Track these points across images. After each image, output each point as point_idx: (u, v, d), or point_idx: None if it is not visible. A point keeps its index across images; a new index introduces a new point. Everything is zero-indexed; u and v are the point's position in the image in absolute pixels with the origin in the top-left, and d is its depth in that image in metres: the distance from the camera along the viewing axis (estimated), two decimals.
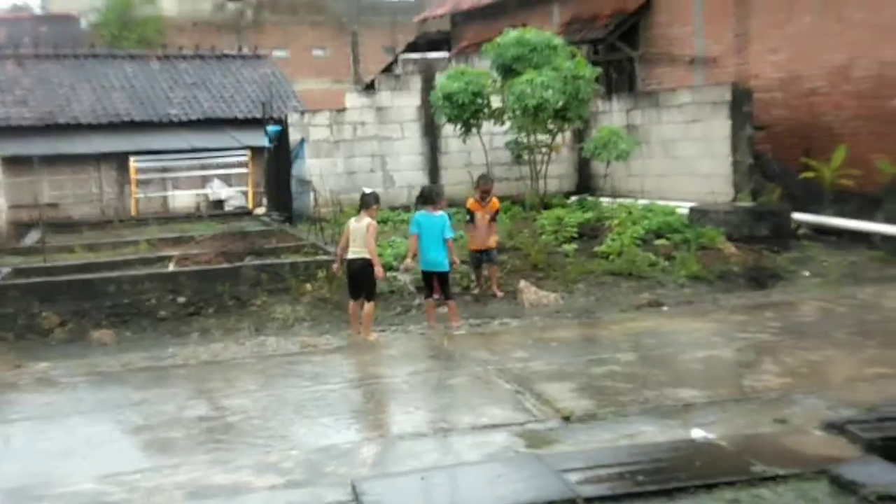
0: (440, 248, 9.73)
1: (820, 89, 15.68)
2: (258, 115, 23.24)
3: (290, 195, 17.41)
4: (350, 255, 9.37)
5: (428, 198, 9.99)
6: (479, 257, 11.14)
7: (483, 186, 11.29)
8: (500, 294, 11.05)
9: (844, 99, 15.12)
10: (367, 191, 9.73)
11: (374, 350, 8.94)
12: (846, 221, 13.72)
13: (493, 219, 11.23)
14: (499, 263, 11.38)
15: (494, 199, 11.34)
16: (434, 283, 9.89)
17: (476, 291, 11.13)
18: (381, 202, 9.94)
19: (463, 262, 11.39)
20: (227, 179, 23.41)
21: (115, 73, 25.93)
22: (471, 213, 11.25)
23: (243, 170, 23.05)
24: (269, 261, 12.13)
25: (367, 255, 9.24)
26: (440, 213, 9.88)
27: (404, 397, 7.16)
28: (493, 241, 11.16)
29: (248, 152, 22.98)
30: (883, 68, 14.57)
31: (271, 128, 18.59)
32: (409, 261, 10.14)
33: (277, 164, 18.56)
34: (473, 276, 11.31)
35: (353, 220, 9.55)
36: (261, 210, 21.14)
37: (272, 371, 8.23)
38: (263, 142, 19.48)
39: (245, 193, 23.08)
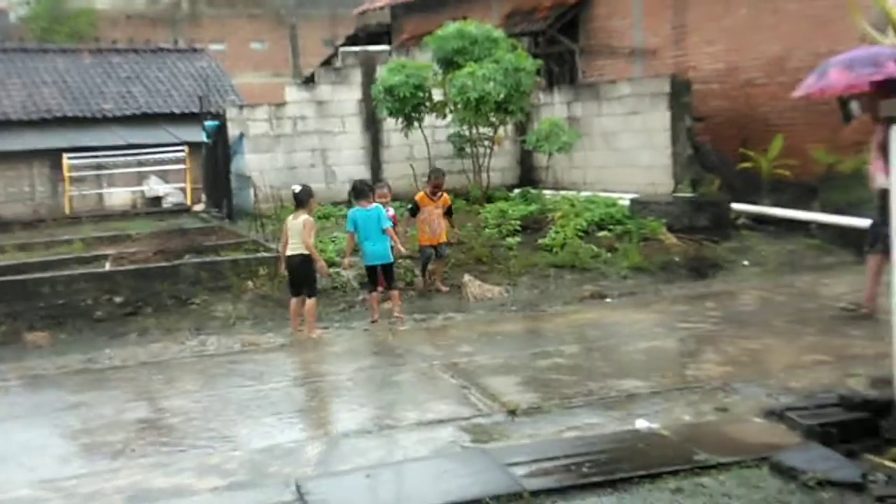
0: (381, 239, 9.80)
1: (756, 80, 15.96)
2: (195, 110, 22.93)
3: (229, 191, 17.22)
4: (288, 252, 9.39)
5: (360, 192, 9.97)
6: (429, 252, 11.11)
7: (435, 181, 11.32)
8: (444, 289, 11.07)
9: (781, 90, 15.38)
10: (297, 188, 9.69)
11: (318, 347, 8.90)
12: (783, 211, 13.97)
13: (447, 213, 11.35)
14: (445, 258, 11.40)
15: (445, 195, 11.39)
16: (378, 275, 9.94)
17: (421, 286, 11.12)
18: (315, 196, 9.84)
19: (408, 256, 11.38)
20: (164, 176, 23.07)
21: (46, 67, 25.35)
22: (416, 206, 11.20)
23: (181, 166, 22.73)
24: (208, 258, 12.00)
25: (305, 251, 9.27)
26: (374, 205, 9.93)
27: (349, 395, 7.13)
28: (445, 235, 11.22)
29: (185, 148, 22.66)
30: (817, 59, 14.76)
31: (209, 123, 18.35)
32: (347, 260, 10.14)
33: (216, 159, 18.34)
34: (418, 271, 11.30)
35: (290, 217, 9.58)
36: (200, 207, 20.87)
37: (213, 371, 8.14)
38: (201, 137, 19.22)
39: (183, 190, 22.77)
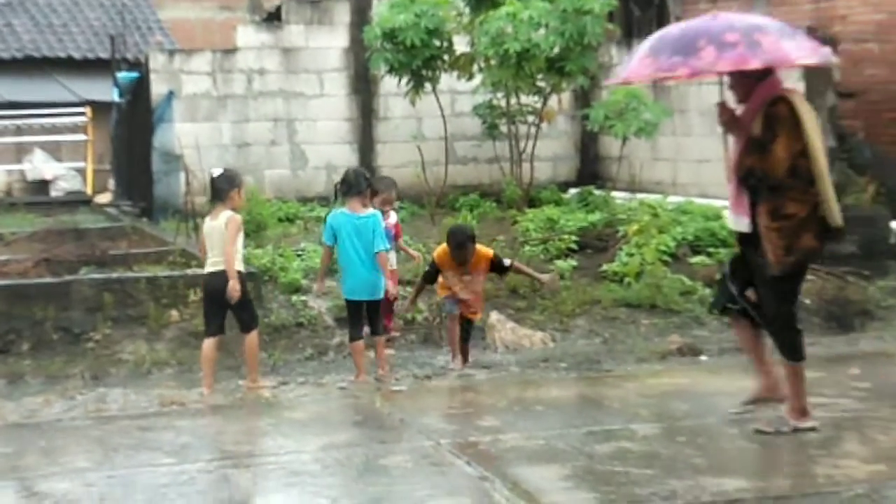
0: (373, 263, 9.70)
1: None
2: (104, 55, 23.06)
3: (149, 176, 17.28)
4: (207, 268, 9.46)
5: (352, 188, 9.80)
6: (451, 308, 10.35)
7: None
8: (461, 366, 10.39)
9: None
10: (216, 172, 9.74)
11: (272, 412, 8.90)
12: None
13: (496, 269, 10.49)
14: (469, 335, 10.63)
15: (482, 251, 10.29)
16: (363, 315, 9.86)
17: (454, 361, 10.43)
18: (243, 184, 9.83)
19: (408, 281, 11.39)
20: (54, 151, 23.18)
21: None
22: (435, 269, 10.27)
23: (80, 136, 22.84)
24: (115, 274, 12.03)
25: (237, 266, 9.35)
26: (370, 211, 9.82)
27: (314, 484, 7.11)
28: (481, 309, 10.60)
29: (87, 110, 22.78)
30: None
31: (124, 75, 18.44)
32: (318, 285, 10.11)
33: (132, 129, 18.40)
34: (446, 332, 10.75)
35: (207, 218, 9.60)
36: (105, 197, 20.97)
37: (116, 440, 8.13)
38: (111, 95, 19.31)
39: (82, 172, 22.88)
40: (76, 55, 25.05)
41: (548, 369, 10.28)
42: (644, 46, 7.65)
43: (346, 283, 9.83)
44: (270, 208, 15.94)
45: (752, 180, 7.45)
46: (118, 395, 9.50)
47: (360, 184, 9.82)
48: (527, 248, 13.36)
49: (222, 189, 9.47)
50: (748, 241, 7.58)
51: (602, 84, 17.89)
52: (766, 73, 7.46)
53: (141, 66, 18.03)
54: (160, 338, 10.95)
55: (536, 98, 16.02)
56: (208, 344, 9.53)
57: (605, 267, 12.76)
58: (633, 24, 19.54)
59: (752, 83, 7.50)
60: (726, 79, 7.77)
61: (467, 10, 15.66)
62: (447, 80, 16.46)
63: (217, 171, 9.77)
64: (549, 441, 7.81)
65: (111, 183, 20.92)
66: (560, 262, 12.85)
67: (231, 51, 17.44)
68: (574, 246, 13.39)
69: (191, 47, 18.98)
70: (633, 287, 12.18)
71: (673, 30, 7.74)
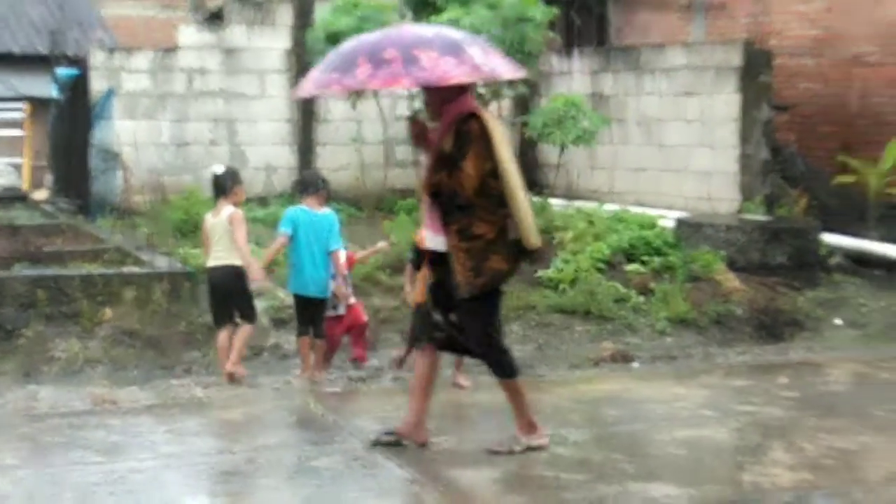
0: (325, 262, 9.85)
1: (869, 56, 16.14)
2: (44, 51, 22.81)
3: (87, 173, 17.13)
4: (210, 262, 9.67)
5: (310, 186, 10.07)
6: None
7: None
8: (465, 384, 9.76)
9: None
10: (220, 169, 9.97)
11: (204, 412, 8.85)
12: None
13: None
14: None
15: None
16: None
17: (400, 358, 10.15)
18: (243, 182, 10.07)
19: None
20: None
21: None
22: (418, 251, 9.21)
23: (16, 132, 22.60)
24: (49, 271, 11.92)
25: (236, 262, 9.58)
26: (326, 210, 10.01)
27: (245, 484, 7.08)
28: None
29: (25, 106, 22.55)
30: None
31: (63, 71, 18.27)
32: (257, 273, 9.92)
33: (71, 125, 18.24)
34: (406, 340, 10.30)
35: (208, 215, 9.86)
36: (42, 194, 20.74)
37: (46, 438, 8.05)
38: (50, 92, 19.13)
39: (18, 168, 22.61)
40: (15, 50, 24.76)
41: (480, 374, 10.26)
42: (326, 62, 7.23)
43: (295, 278, 9.89)
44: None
45: (442, 198, 7.18)
46: (49, 392, 9.40)
47: (317, 183, 10.10)
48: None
49: (226, 185, 9.72)
50: (444, 261, 7.29)
51: (541, 92, 17.96)
52: (461, 90, 7.22)
53: (81, 63, 17.87)
54: (93, 336, 10.87)
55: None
56: (222, 336, 9.80)
57: (540, 273, 12.78)
58: (573, 33, 19.64)
59: (444, 100, 7.23)
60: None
61: (410, 14, 15.65)
62: None
63: (219, 168, 10.06)
64: (481, 445, 7.81)
65: (48, 179, 20.70)
66: None
67: (172, 49, 17.33)
68: None
69: (132, 45, 18.85)
70: (568, 293, 12.23)
71: (351, 42, 7.31)
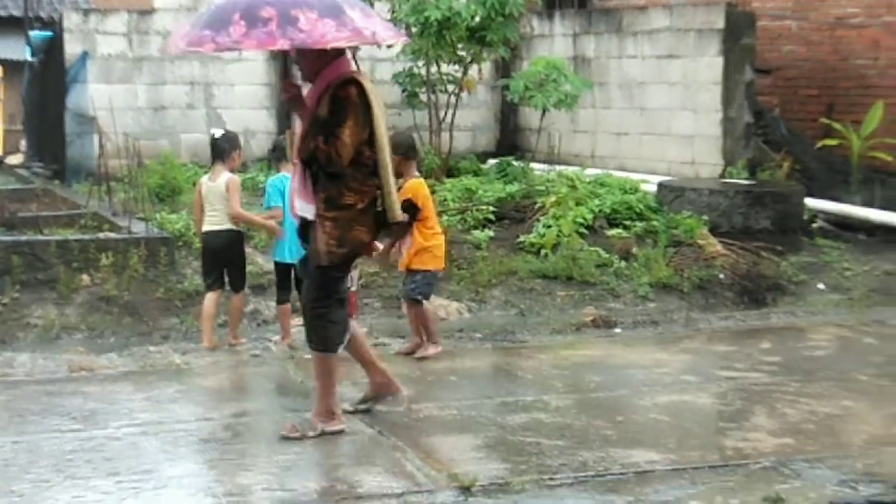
0: None
1: (852, 19, 16.14)
2: (17, 13, 22.65)
3: (62, 138, 17.06)
4: (206, 227, 9.71)
5: (286, 151, 9.96)
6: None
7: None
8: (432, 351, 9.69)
9: (887, 36, 15.57)
10: (219, 133, 10.06)
11: (182, 378, 8.85)
12: (880, 213, 14.15)
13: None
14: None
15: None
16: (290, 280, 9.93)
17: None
18: (241, 148, 10.09)
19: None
20: None
21: None
22: (413, 205, 8.72)
23: None
24: (24, 237, 11.87)
25: (232, 225, 9.71)
26: None
27: (224, 451, 7.08)
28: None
29: None
30: None
31: (37, 34, 18.15)
32: (275, 229, 9.78)
33: (45, 89, 18.13)
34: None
35: (204, 178, 9.95)
36: (17, 158, 20.69)
37: (22, 405, 8.03)
38: (23, 54, 19.01)
39: None
40: None
41: (463, 339, 10.29)
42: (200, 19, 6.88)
43: (280, 245, 9.85)
44: (186, 173, 15.79)
45: (314, 166, 6.98)
46: (26, 359, 9.39)
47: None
48: (444, 217, 13.32)
49: (224, 149, 9.78)
50: (310, 228, 7.14)
51: (522, 55, 17.91)
52: (339, 53, 6.99)
53: (55, 25, 17.74)
54: (70, 302, 10.84)
55: (457, 67, 15.98)
56: (209, 298, 9.84)
57: (522, 238, 12.79)
58: None
59: (320, 62, 6.99)
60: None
61: None
62: (367, 46, 16.33)
63: (218, 132, 10.14)
64: (463, 411, 7.84)
65: (23, 144, 20.62)
66: (477, 233, 12.87)
67: (148, 12, 17.20)
68: (491, 217, 13.41)
69: (107, 7, 18.66)
70: (550, 259, 12.23)
71: None
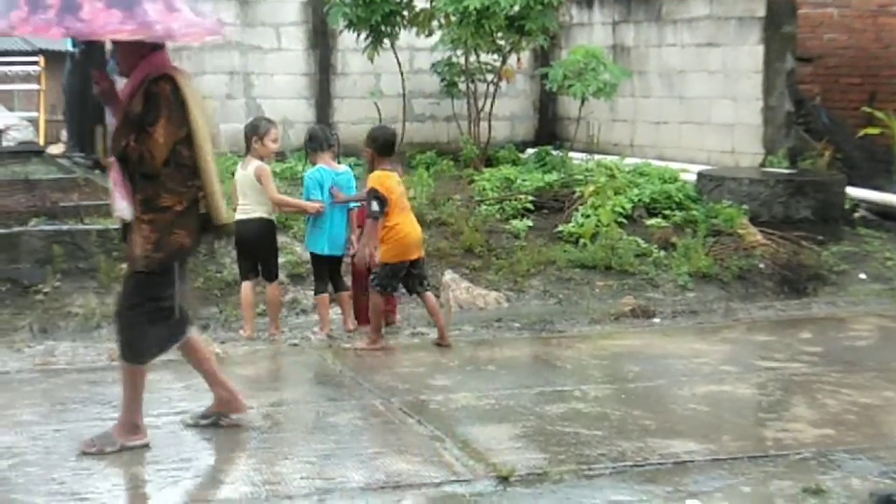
0: (344, 220, 9.97)
1: (894, 6, 16.02)
2: None
3: (103, 128, 17.12)
4: (238, 216, 9.63)
5: (323, 141, 10.07)
6: (403, 272, 9.61)
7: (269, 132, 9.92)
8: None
9: None
10: (252, 120, 10.13)
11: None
12: None
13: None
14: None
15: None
16: (327, 270, 10.07)
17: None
18: (269, 132, 9.84)
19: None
20: (6, 100, 22.93)
21: None
22: (381, 197, 9.31)
23: (32, 86, 22.60)
24: (66, 226, 11.93)
25: (265, 214, 9.72)
26: (345, 168, 10.17)
27: (263, 440, 7.12)
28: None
29: (40, 59, 22.53)
30: None
31: None
32: (314, 207, 9.86)
33: (86, 79, 18.18)
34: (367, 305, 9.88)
35: (238, 166, 9.99)
36: (58, 148, 20.75)
37: (63, 394, 8.11)
38: (65, 45, 19.09)
39: (34, 122, 22.64)
40: None
41: (501, 329, 10.30)
42: None
43: (318, 237, 9.90)
44: (226, 163, 15.82)
45: (129, 165, 6.62)
46: (67, 348, 9.48)
47: (329, 138, 10.15)
48: (483, 207, 13.33)
49: (246, 137, 9.84)
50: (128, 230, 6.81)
51: (561, 44, 17.86)
52: (154, 47, 6.61)
53: None
54: (110, 291, 10.87)
55: (496, 56, 15.95)
56: (245, 287, 9.91)
57: (560, 228, 12.76)
58: None
59: (135, 56, 6.65)
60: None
61: None
62: (406, 36, 16.35)
63: (252, 120, 10.20)
64: (501, 401, 7.85)
65: (64, 134, 20.71)
66: (516, 222, 12.85)
67: None
68: (530, 206, 13.38)
69: None
70: (589, 248, 12.20)
71: None
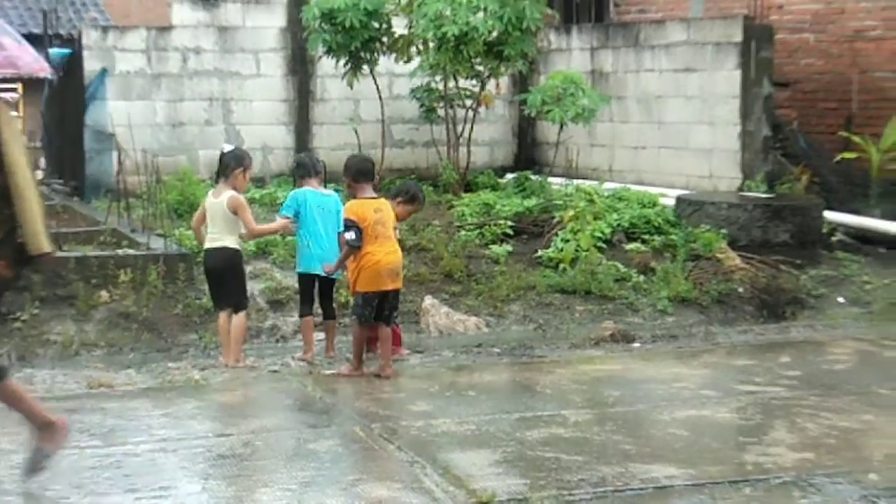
0: (334, 242, 9.89)
1: (871, 31, 16.11)
2: (36, 30, 22.77)
3: (81, 154, 17.11)
4: (208, 244, 9.59)
5: (310, 168, 10.11)
6: (379, 302, 9.39)
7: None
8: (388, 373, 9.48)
9: None
10: (227, 147, 9.96)
11: (201, 394, 8.85)
12: None
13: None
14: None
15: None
16: (313, 293, 10.03)
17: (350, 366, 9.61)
18: (251, 166, 9.84)
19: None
20: None
21: None
22: (356, 226, 9.21)
23: (11, 113, 22.57)
24: None
25: (231, 244, 9.54)
26: (331, 192, 10.15)
27: (242, 467, 7.08)
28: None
29: (18, 86, 22.53)
30: None
31: (56, 51, 18.22)
32: (284, 226, 9.97)
33: (64, 106, 18.20)
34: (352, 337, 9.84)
35: (209, 193, 9.79)
36: (36, 175, 20.73)
37: None
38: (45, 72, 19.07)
39: None
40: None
41: (481, 354, 10.29)
42: None
43: (305, 258, 9.94)
44: (204, 189, 15.81)
45: None
46: (45, 376, 9.41)
47: (315, 165, 10.17)
48: (462, 232, 13.35)
49: (228, 166, 9.61)
50: None
51: (539, 69, 17.94)
52: None
53: (74, 43, 17.81)
54: (89, 319, 10.87)
55: (474, 82, 16.01)
56: (222, 316, 9.74)
57: (540, 253, 12.79)
58: (572, 10, 19.59)
59: None
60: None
61: None
62: (385, 62, 16.40)
63: (228, 147, 9.99)
64: (481, 426, 7.83)
65: (42, 161, 20.68)
66: (495, 247, 12.87)
67: (166, 28, 17.27)
68: (510, 231, 13.42)
69: (125, 24, 18.78)
70: (568, 273, 12.22)
71: None
